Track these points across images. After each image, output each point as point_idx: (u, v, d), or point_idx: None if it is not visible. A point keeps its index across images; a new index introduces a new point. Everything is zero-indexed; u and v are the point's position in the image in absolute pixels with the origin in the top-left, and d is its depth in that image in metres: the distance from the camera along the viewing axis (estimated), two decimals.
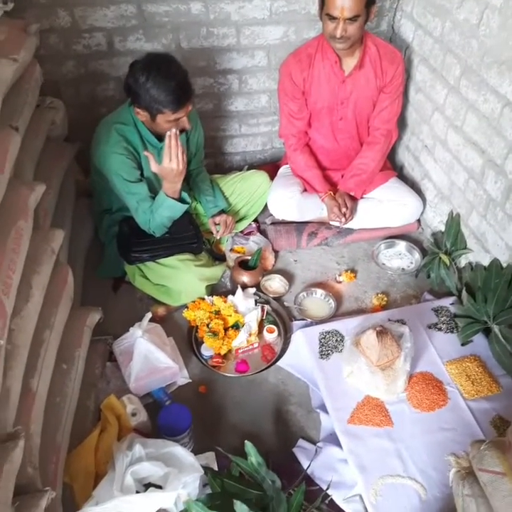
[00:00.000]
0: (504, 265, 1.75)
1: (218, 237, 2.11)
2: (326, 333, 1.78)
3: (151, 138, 1.82)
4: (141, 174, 1.83)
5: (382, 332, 1.56)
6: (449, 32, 1.88)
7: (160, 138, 1.85)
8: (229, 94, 2.38)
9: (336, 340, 1.76)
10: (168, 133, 1.67)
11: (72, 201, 2.04)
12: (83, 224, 2.11)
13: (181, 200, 1.79)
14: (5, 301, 1.02)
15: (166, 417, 1.50)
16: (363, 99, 2.03)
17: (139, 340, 1.63)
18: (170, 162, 1.67)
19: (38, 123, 1.74)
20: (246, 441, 1.36)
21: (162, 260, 1.93)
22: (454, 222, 2.01)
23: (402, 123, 2.27)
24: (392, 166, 2.41)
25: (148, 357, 1.63)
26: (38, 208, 1.42)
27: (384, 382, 1.57)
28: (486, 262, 1.85)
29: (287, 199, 2.14)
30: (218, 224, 2.07)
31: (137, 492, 1.21)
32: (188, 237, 1.99)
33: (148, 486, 1.28)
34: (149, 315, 1.74)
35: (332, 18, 1.72)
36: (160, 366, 1.64)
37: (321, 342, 1.76)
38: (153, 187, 1.88)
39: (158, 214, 1.80)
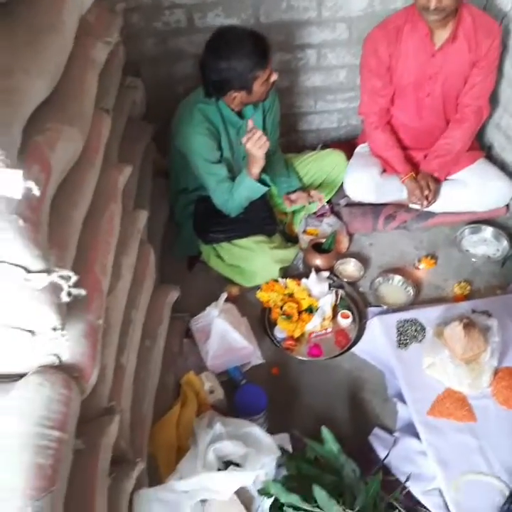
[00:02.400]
0: None
1: (289, 209, 2.07)
2: (404, 321, 1.72)
3: (232, 116, 1.82)
4: (221, 155, 1.83)
5: (469, 324, 1.48)
6: None
7: (239, 115, 1.84)
8: (306, 70, 2.30)
9: (416, 330, 1.69)
10: (249, 124, 1.66)
11: (151, 181, 2.08)
12: (160, 203, 2.14)
13: (262, 181, 1.78)
14: (103, 281, 1.06)
15: (243, 396, 1.52)
16: (454, 74, 1.89)
17: (216, 320, 1.66)
18: (252, 147, 1.65)
19: (121, 103, 1.77)
20: (322, 426, 1.34)
21: (237, 241, 1.93)
22: None
23: (493, 99, 2.10)
24: (480, 146, 2.26)
25: (225, 336, 1.66)
26: (123, 189, 1.45)
27: (468, 377, 1.50)
28: None
29: (366, 180, 2.06)
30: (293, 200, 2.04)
31: (218, 469, 1.25)
32: (262, 218, 1.99)
33: (227, 463, 1.31)
34: (225, 295, 1.76)
35: None
36: (236, 346, 1.66)
37: (399, 330, 1.70)
38: (231, 167, 1.87)
39: (238, 194, 1.80)
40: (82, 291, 0.81)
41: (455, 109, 2.02)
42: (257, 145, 1.65)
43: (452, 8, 1.68)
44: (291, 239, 2.14)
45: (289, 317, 1.76)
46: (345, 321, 1.82)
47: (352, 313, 1.85)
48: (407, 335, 1.68)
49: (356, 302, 1.91)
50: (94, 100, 1.15)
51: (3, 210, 0.71)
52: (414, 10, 1.77)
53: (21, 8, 0.82)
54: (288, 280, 1.87)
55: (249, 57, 1.60)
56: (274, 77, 1.72)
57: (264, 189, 1.80)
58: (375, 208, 2.15)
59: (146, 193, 1.91)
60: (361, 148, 2.24)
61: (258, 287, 1.90)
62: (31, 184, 0.64)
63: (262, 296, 1.87)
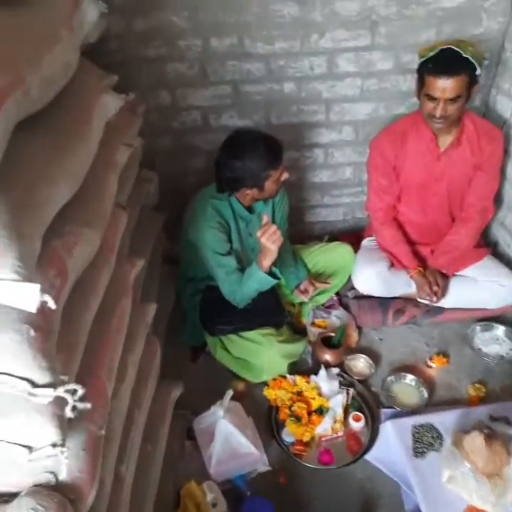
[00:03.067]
0: None
1: (307, 299, 2.07)
2: (419, 427, 1.62)
3: (243, 211, 1.86)
4: (230, 247, 1.85)
5: (490, 436, 1.39)
6: None
7: (249, 210, 1.88)
8: (314, 167, 2.39)
9: (432, 437, 1.59)
10: (264, 219, 1.70)
11: (159, 270, 2.07)
12: (166, 290, 2.13)
13: (272, 274, 1.77)
14: (108, 386, 1.00)
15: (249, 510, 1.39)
16: (459, 176, 1.95)
17: (220, 422, 1.57)
18: (267, 241, 1.67)
19: (136, 196, 1.81)
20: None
21: (245, 334, 1.89)
22: None
23: (498, 199, 2.15)
24: (485, 242, 2.28)
25: (230, 440, 1.55)
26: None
27: (492, 494, 1.38)
28: None
29: (374, 275, 2.05)
30: (304, 291, 2.04)
31: None
32: (270, 308, 1.96)
33: None
34: (230, 393, 1.67)
35: (432, 98, 1.70)
36: (241, 451, 1.55)
37: (414, 437, 1.60)
38: (240, 259, 1.88)
39: (247, 286, 1.79)
40: (88, 405, 0.76)
41: (460, 207, 2.07)
42: (271, 239, 1.67)
43: (456, 117, 1.77)
44: (299, 330, 2.09)
45: (298, 419, 1.67)
46: (357, 424, 1.72)
47: (364, 415, 1.75)
48: (424, 442, 1.58)
49: (368, 403, 1.82)
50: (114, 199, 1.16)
51: (15, 319, 0.68)
52: (419, 116, 1.87)
53: (52, 113, 0.85)
54: (297, 377, 1.80)
55: (262, 158, 1.67)
56: (285, 176, 1.77)
57: (273, 282, 1.79)
58: (384, 302, 2.13)
59: (154, 283, 1.89)
60: (368, 242, 2.26)
61: (265, 383, 1.82)
62: (47, 297, 0.62)
63: (269, 393, 1.78)
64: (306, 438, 1.66)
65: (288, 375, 1.82)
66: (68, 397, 0.71)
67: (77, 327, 0.91)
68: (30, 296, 0.60)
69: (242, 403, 1.76)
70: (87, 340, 0.98)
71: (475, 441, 1.40)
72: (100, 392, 0.95)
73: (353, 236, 2.47)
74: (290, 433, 1.68)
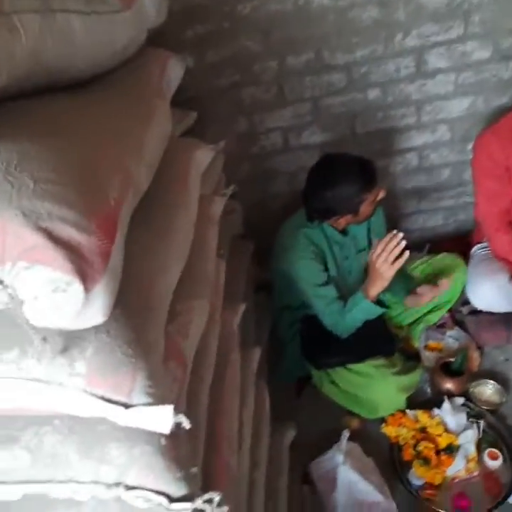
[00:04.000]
0: None
1: (425, 303, 1.79)
2: None
3: (336, 235, 1.74)
4: (328, 275, 1.73)
5: None
6: None
7: (343, 232, 1.76)
8: (407, 172, 2.21)
9: None
10: (376, 243, 1.54)
11: (253, 301, 2.01)
12: (263, 323, 2.05)
13: (378, 301, 1.63)
14: (232, 460, 0.94)
15: None
16: None
17: (341, 469, 1.46)
18: (382, 266, 1.50)
19: (225, 230, 1.76)
20: None
21: (353, 366, 1.76)
22: None
23: None
24: None
25: (353, 489, 1.44)
26: None
27: None
28: None
29: (494, 289, 1.83)
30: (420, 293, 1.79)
31: None
32: (378, 336, 1.81)
33: None
34: (347, 434, 1.56)
35: None
36: (368, 500, 1.43)
37: None
38: (338, 286, 1.76)
39: (351, 316, 1.66)
40: (225, 510, 0.68)
41: None
42: (387, 263, 1.48)
43: None
44: (411, 355, 1.92)
45: (426, 461, 1.51)
46: (494, 463, 1.53)
47: (501, 451, 1.56)
48: None
49: (503, 436, 1.61)
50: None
51: (143, 429, 0.62)
52: None
53: (151, 192, 0.79)
54: (418, 412, 1.64)
55: (355, 183, 1.54)
56: (382, 195, 1.63)
57: (380, 310, 1.65)
58: (507, 315, 1.90)
59: (251, 323, 1.82)
60: (479, 250, 2.04)
61: (382, 419, 1.68)
62: (182, 418, 0.56)
63: (389, 431, 1.64)
64: (437, 481, 1.51)
65: (408, 411, 1.66)
66: (207, 507, 0.64)
67: (197, 407, 0.85)
68: (163, 418, 0.54)
69: (358, 441, 1.63)
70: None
71: None
72: (224, 473, 0.89)
73: (458, 242, 2.25)
74: (418, 476, 1.52)
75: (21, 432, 0.64)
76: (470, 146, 2.00)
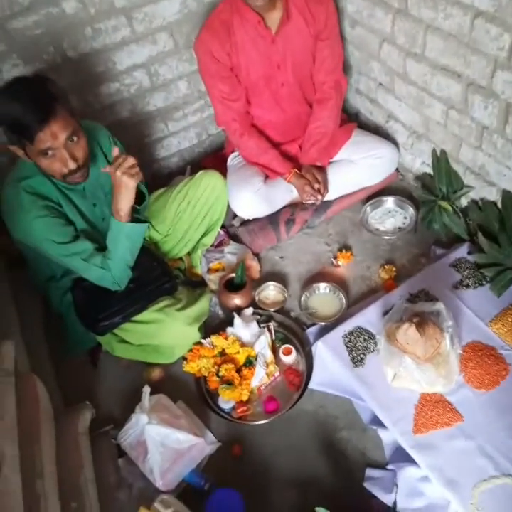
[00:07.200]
0: None
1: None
2: (349, 334, 1.54)
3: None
4: (75, 229, 1.48)
5: (421, 323, 1.33)
6: None
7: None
8: (142, 94, 2.00)
9: (365, 340, 1.52)
10: (115, 152, 1.38)
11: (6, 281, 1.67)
12: (28, 302, 1.74)
13: (136, 219, 1.47)
14: None
15: (214, 509, 1.24)
16: (301, 55, 1.71)
17: (147, 428, 1.35)
18: (123, 175, 1.35)
19: None
20: (317, 508, 1.14)
21: (138, 317, 1.60)
22: (441, 161, 1.76)
23: (345, 65, 1.97)
24: (348, 117, 2.13)
25: (165, 443, 1.35)
26: None
27: (438, 374, 1.36)
28: (492, 197, 1.64)
29: (251, 194, 1.83)
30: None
31: None
32: (156, 277, 1.67)
33: None
34: (148, 391, 1.44)
35: None
36: (183, 447, 1.37)
37: (347, 347, 1.51)
38: (94, 237, 1.53)
39: (116, 255, 1.47)
40: None
41: (314, 90, 1.86)
42: (128, 172, 1.35)
43: None
44: (196, 283, 1.86)
45: (229, 384, 1.50)
46: (289, 358, 1.60)
47: (292, 344, 1.63)
48: (358, 349, 1.50)
49: (292, 330, 1.69)
50: None
51: None
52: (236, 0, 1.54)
53: None
54: (213, 338, 1.60)
55: (17, 106, 1.24)
56: (79, 153, 1.35)
57: (144, 227, 1.49)
58: (272, 217, 1.95)
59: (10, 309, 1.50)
60: (233, 160, 2.01)
61: (183, 359, 1.61)
62: None
63: (190, 368, 1.58)
64: (244, 397, 1.52)
65: (203, 340, 1.61)
66: None
67: None
68: None
69: (164, 391, 1.54)
70: None
71: (408, 333, 1.33)
72: None
73: (215, 157, 2.20)
74: (226, 400, 1.51)
75: None
76: None
